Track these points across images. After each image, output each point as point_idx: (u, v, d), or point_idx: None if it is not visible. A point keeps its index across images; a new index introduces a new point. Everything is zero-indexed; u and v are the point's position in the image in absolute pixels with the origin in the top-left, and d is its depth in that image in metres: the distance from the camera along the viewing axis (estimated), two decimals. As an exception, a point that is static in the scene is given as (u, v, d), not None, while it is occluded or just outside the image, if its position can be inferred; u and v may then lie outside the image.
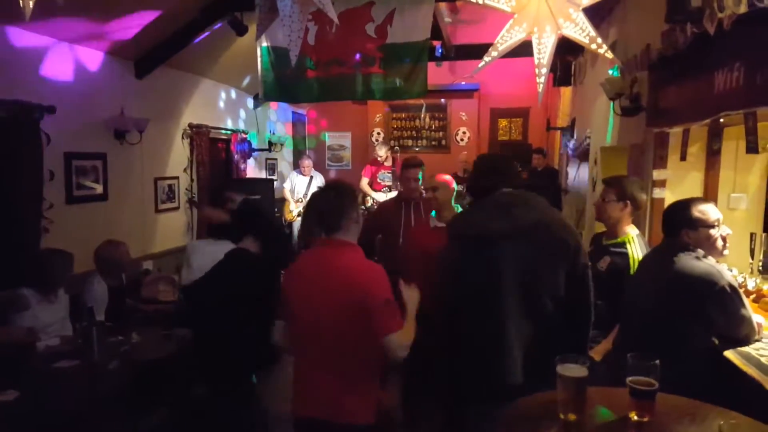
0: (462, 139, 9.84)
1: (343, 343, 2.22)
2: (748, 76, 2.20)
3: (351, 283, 2.20)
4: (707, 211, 2.44)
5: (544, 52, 2.43)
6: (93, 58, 4.77)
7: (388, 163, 7.85)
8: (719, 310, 2.27)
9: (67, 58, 4.48)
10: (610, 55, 2.54)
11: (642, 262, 2.71)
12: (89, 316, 3.63)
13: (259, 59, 5.12)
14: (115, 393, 3.06)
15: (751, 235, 3.44)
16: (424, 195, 3.66)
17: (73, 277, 4.09)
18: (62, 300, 3.83)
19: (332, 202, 2.32)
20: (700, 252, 2.38)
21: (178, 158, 6.13)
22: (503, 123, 9.86)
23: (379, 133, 10.01)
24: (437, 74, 8.38)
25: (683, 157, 3.08)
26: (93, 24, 4.38)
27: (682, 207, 2.48)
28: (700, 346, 2.30)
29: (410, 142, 9.98)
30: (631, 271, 2.93)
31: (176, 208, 6.12)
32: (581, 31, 2.37)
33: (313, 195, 2.46)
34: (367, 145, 9.95)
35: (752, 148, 2.24)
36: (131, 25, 4.78)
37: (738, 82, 2.28)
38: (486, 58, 2.61)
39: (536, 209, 2.37)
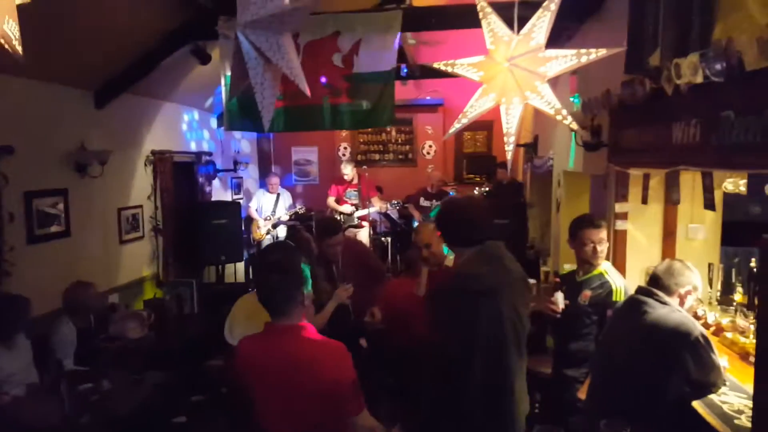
0: (428, 153, 9.94)
1: (313, 429, 2.16)
2: (704, 135, 2.29)
3: (317, 371, 2.10)
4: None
5: (512, 122, 2.50)
6: (50, 91, 4.63)
7: (355, 181, 7.87)
8: (694, 359, 2.35)
9: (22, 95, 4.35)
10: (575, 126, 2.62)
11: (615, 314, 2.80)
12: (57, 368, 3.55)
13: (223, 89, 5.05)
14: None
15: (709, 265, 3.59)
16: (422, 254, 3.44)
17: (38, 319, 4.00)
18: (23, 346, 3.69)
19: (275, 283, 2.15)
20: (675, 305, 2.47)
21: (141, 186, 6.02)
22: (468, 136, 9.97)
23: (345, 148, 10.01)
24: (402, 90, 8.43)
25: (644, 201, 3.19)
26: (49, 56, 4.26)
27: (690, 269, 2.58)
28: (674, 394, 2.38)
29: (377, 156, 10.03)
30: (614, 298, 3.08)
31: (141, 238, 6.01)
32: (547, 103, 2.44)
33: (257, 278, 2.32)
34: (335, 160, 9.93)
35: (709, 205, 2.33)
36: (89, 56, 4.69)
37: (695, 138, 2.37)
38: (456, 125, 2.67)
39: (515, 261, 2.55)
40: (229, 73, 5.02)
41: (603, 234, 3.21)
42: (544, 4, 2.39)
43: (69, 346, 3.92)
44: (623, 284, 3.15)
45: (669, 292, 2.50)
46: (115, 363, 4.11)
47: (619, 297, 3.06)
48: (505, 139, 2.53)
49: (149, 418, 3.59)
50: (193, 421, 4.30)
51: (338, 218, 7.69)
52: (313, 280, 3.54)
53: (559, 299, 3.24)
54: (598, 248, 3.19)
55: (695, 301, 2.60)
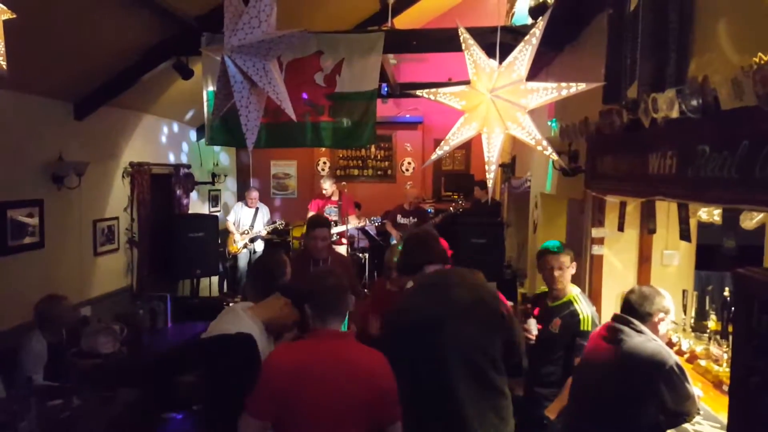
0: (407, 169, 10.01)
1: None
2: (680, 167, 2.34)
3: (370, 378, 2.16)
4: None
5: (493, 150, 2.54)
6: (29, 102, 4.58)
7: (335, 198, 7.86)
8: (668, 389, 2.37)
9: (1, 105, 4.28)
10: (555, 156, 2.67)
11: (591, 340, 2.84)
12: (26, 385, 3.46)
13: (205, 103, 5.06)
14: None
15: (683, 291, 3.65)
16: (390, 275, 3.53)
17: (9, 332, 3.93)
18: None
19: (332, 294, 2.24)
20: (650, 333, 2.51)
21: (118, 198, 5.96)
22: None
23: (325, 163, 10.02)
24: (382, 107, 8.48)
25: (621, 228, 3.25)
26: (30, 68, 4.20)
27: (661, 294, 2.61)
28: (648, 423, 2.41)
29: (356, 172, 10.07)
30: (582, 327, 3.12)
31: (116, 250, 5.94)
32: (527, 134, 2.49)
33: (314, 280, 2.36)
34: (314, 174, 9.94)
35: (685, 236, 2.39)
36: (71, 69, 4.65)
37: (671, 170, 2.42)
38: (438, 151, 2.70)
39: (472, 288, 2.53)
40: (211, 88, 5.05)
41: (563, 258, 3.24)
42: (526, 38, 2.45)
43: (39, 361, 3.81)
44: (591, 312, 3.19)
45: (643, 318, 2.54)
46: (87, 379, 4.02)
47: (587, 326, 3.10)
48: (486, 167, 2.58)
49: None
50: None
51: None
52: None
53: (532, 326, 3.29)
54: (555, 273, 3.24)
55: (670, 324, 2.64)
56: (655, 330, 2.55)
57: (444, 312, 2.42)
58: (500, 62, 2.60)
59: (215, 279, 7.84)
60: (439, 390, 2.39)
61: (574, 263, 3.31)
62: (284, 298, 2.58)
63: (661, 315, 2.57)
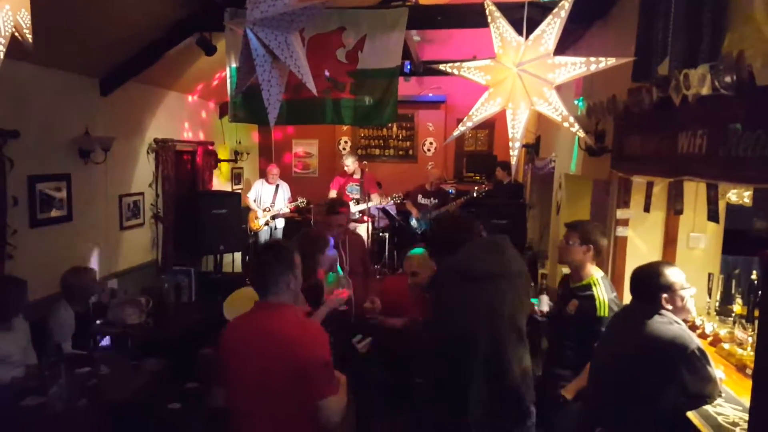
0: (429, 150, 9.92)
1: (284, 408, 2.20)
2: (710, 146, 2.29)
3: (289, 348, 2.16)
4: (678, 274, 2.54)
5: (518, 127, 2.50)
6: (57, 77, 4.64)
7: (357, 176, 7.85)
8: (690, 373, 2.34)
9: (29, 80, 4.35)
10: (581, 133, 2.61)
11: (612, 322, 2.80)
12: (56, 352, 3.56)
13: (228, 80, 5.07)
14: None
15: (709, 275, 3.59)
16: (409, 282, 3.55)
17: (39, 302, 4.04)
18: (21, 328, 3.73)
19: (267, 266, 2.30)
20: (671, 315, 2.46)
21: (143, 174, 6.03)
22: (469, 134, 9.90)
23: (346, 142, 9.99)
24: (405, 86, 8.42)
25: (647, 209, 3.19)
26: (57, 43, 4.26)
27: (657, 273, 2.53)
28: (668, 405, 2.39)
29: (377, 152, 10.00)
30: (599, 313, 3.04)
31: (141, 225, 6.03)
32: (554, 110, 2.44)
33: (254, 259, 2.46)
34: (335, 153, 9.92)
35: (713, 217, 2.34)
36: (96, 44, 4.68)
37: (701, 149, 2.37)
38: (461, 127, 2.67)
39: (517, 257, 2.75)
40: (234, 65, 5.05)
41: (570, 237, 3.19)
42: (554, 11, 2.39)
43: (67, 330, 3.97)
44: (610, 298, 3.08)
45: (653, 298, 2.49)
46: (113, 348, 4.14)
47: (604, 311, 3.01)
48: (511, 144, 2.54)
49: (145, 404, 3.62)
50: (188, 408, 4.33)
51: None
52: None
53: (543, 301, 3.25)
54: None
55: (689, 298, 2.55)
56: (675, 309, 2.50)
57: (501, 270, 2.63)
58: (527, 38, 2.55)
59: (238, 255, 7.92)
60: (487, 332, 2.56)
61: (587, 249, 3.16)
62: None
63: (665, 295, 2.49)
